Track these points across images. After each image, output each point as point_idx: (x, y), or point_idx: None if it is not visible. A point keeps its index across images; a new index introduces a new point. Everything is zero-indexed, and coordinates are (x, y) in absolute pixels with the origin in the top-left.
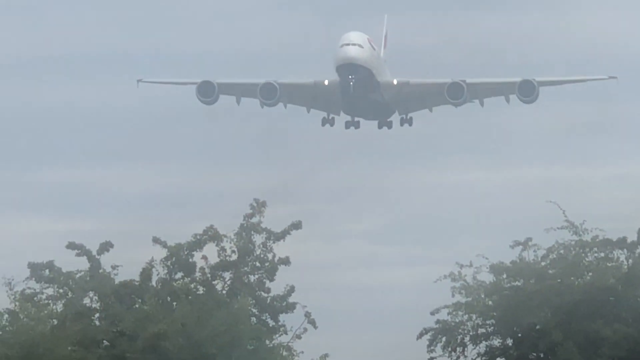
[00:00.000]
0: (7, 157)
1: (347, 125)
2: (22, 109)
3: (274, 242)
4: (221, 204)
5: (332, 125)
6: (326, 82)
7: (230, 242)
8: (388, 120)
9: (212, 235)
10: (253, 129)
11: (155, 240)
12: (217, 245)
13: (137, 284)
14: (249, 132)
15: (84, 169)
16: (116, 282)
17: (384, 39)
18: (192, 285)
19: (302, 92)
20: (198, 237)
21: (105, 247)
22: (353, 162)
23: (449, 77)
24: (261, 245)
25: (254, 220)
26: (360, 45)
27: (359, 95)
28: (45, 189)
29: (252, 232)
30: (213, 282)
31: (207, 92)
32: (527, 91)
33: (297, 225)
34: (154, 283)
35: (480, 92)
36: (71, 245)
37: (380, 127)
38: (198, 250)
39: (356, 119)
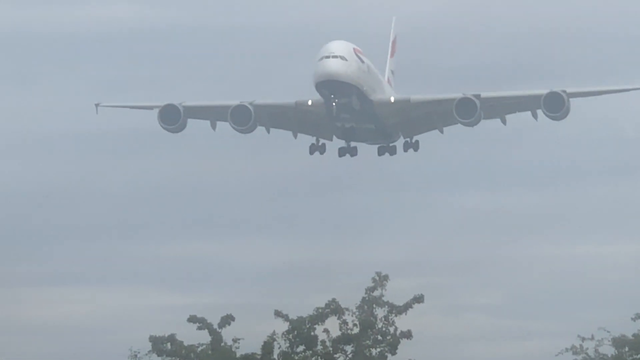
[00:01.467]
0: (129, 231)
1: (341, 152)
2: (141, 182)
3: (395, 316)
4: (343, 276)
5: (322, 152)
6: (309, 102)
7: (352, 316)
8: (391, 145)
9: (333, 308)
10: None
11: (277, 314)
12: (338, 318)
13: (259, 357)
14: (366, 200)
15: (205, 242)
16: (238, 355)
17: (392, 46)
18: (314, 359)
19: (283, 114)
20: (320, 310)
21: (227, 320)
22: (464, 236)
23: (459, 91)
24: (383, 319)
25: (376, 293)
26: (343, 58)
27: (347, 118)
28: (166, 262)
29: (374, 306)
30: (335, 355)
31: (172, 117)
32: (555, 105)
33: (419, 299)
34: (275, 356)
35: (498, 108)
36: (192, 319)
37: (380, 153)
38: (320, 323)
39: (352, 144)
